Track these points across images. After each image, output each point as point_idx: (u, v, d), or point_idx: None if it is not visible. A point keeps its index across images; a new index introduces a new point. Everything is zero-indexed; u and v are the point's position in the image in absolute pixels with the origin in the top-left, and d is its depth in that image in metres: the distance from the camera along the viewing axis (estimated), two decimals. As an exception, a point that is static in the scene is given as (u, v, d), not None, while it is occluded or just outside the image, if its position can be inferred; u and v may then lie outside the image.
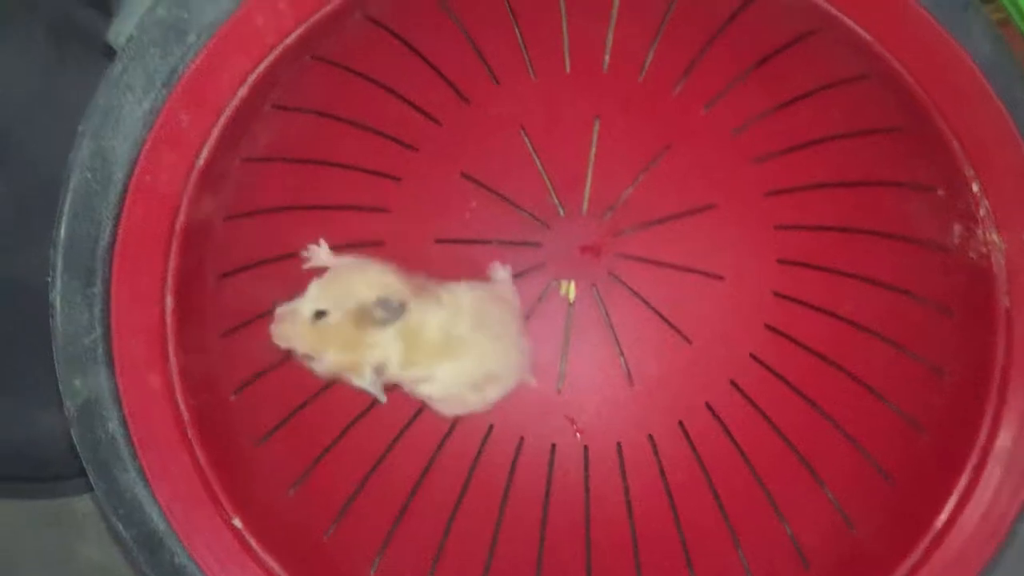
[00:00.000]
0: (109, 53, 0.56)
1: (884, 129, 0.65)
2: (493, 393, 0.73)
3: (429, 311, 0.67)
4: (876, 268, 0.71)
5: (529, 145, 0.77)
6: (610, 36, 0.74)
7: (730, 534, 0.72)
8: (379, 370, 0.66)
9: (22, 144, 0.89)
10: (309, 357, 0.65)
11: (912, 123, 0.61)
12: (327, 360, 0.65)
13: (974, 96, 0.59)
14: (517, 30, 0.73)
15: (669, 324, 0.78)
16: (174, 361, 0.62)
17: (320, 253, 0.71)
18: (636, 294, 0.79)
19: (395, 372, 0.67)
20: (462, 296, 0.70)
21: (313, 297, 0.65)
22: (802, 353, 0.74)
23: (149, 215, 0.58)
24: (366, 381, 0.65)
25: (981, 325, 0.62)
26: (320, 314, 0.64)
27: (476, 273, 0.76)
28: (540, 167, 0.78)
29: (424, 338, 0.67)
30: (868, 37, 0.58)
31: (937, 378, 0.66)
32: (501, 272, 0.77)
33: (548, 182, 0.78)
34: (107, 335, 0.59)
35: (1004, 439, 0.61)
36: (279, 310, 0.65)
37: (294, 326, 0.64)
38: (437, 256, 0.77)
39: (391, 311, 0.64)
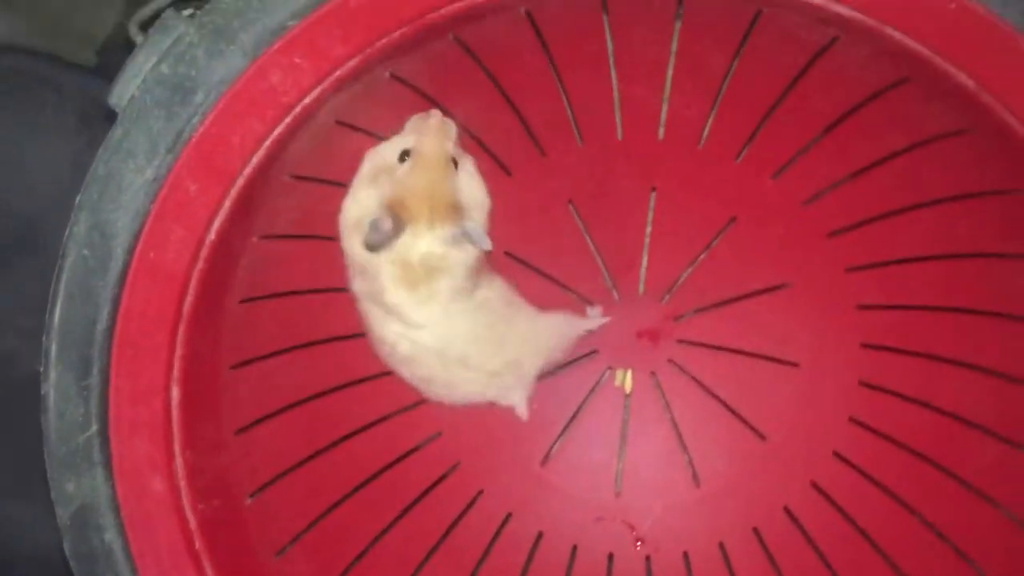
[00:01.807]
0: (112, 118, 0.52)
1: (988, 192, 0.58)
2: (467, 386, 0.67)
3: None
4: (980, 352, 0.64)
5: (579, 220, 0.72)
6: (665, 99, 0.69)
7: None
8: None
9: (56, 232, 0.89)
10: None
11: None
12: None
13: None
14: (563, 94, 0.68)
15: (739, 418, 0.72)
16: (181, 461, 0.57)
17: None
18: (700, 384, 0.72)
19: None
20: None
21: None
22: (895, 450, 0.67)
23: (153, 296, 0.54)
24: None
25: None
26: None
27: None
28: (591, 245, 0.73)
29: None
30: (971, 84, 0.51)
31: (1057, 481, 0.58)
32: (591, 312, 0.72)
33: (600, 261, 0.73)
34: (104, 432, 0.55)
35: None
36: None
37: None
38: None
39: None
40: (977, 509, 0.63)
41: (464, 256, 0.61)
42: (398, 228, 0.58)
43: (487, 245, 0.60)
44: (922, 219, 0.64)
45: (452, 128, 0.61)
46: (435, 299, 0.61)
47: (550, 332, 0.69)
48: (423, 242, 0.59)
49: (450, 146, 0.60)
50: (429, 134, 0.59)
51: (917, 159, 0.62)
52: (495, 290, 0.66)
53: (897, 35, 0.52)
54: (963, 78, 0.52)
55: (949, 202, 0.62)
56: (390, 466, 0.69)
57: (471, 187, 0.63)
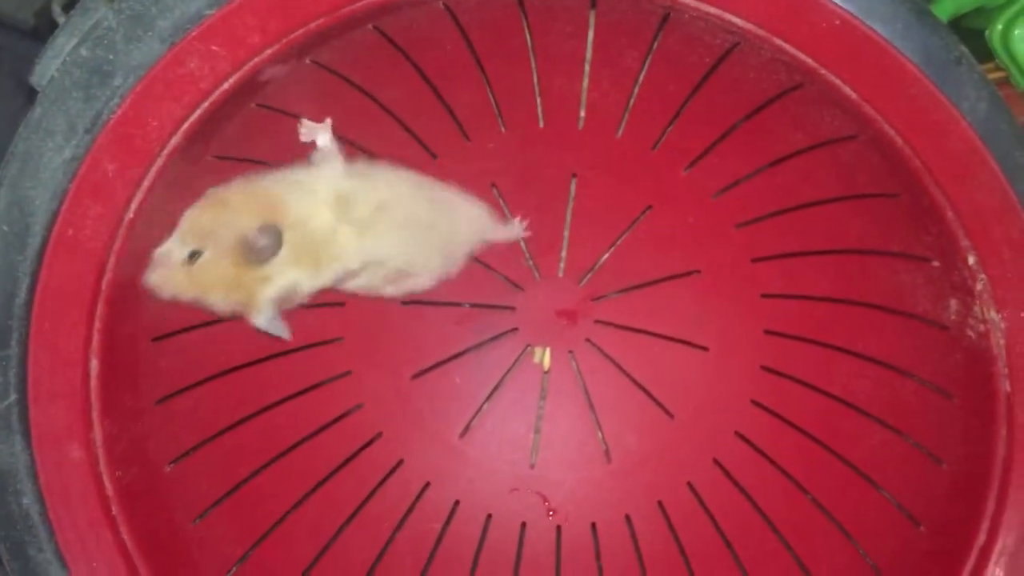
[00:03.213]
0: (32, 96, 0.52)
1: (876, 194, 0.60)
2: (409, 287, 0.67)
3: (310, 202, 0.59)
4: (870, 343, 0.66)
5: (502, 203, 0.73)
6: (584, 89, 0.70)
7: (710, 626, 0.67)
8: (286, 300, 0.58)
9: None
10: (197, 303, 0.57)
11: (905, 189, 0.57)
12: (215, 305, 0.57)
13: (969, 160, 0.54)
14: (486, 81, 0.69)
15: (650, 396, 0.74)
16: (99, 430, 0.57)
17: (316, 131, 0.62)
18: (615, 363, 0.74)
19: (308, 288, 0.59)
20: (398, 186, 0.63)
21: (184, 233, 0.56)
22: (791, 432, 0.70)
23: (71, 271, 0.54)
24: (262, 320, 0.58)
25: (981, 411, 0.58)
26: (194, 255, 0.56)
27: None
28: (520, 229, 0.73)
29: (315, 233, 0.58)
30: (854, 95, 0.53)
31: (936, 467, 0.61)
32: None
33: (522, 243, 0.74)
34: (23, 401, 0.55)
35: (1006, 540, 0.55)
36: (155, 254, 0.56)
37: (168, 272, 0.55)
38: (402, 320, 0.73)
39: (274, 238, 0.56)
40: (863, 492, 0.66)
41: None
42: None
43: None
44: (820, 215, 0.66)
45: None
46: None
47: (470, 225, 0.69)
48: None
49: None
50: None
51: (815, 160, 0.63)
52: (403, 191, 0.64)
53: (787, 47, 0.54)
54: (847, 90, 0.54)
55: (842, 201, 0.64)
56: (312, 436, 0.70)
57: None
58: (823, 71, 0.54)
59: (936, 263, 0.59)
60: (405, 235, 0.64)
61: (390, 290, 0.67)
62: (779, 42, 0.53)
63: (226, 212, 0.56)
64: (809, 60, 0.54)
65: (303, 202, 0.58)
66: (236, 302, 0.57)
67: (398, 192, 0.63)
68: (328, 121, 0.62)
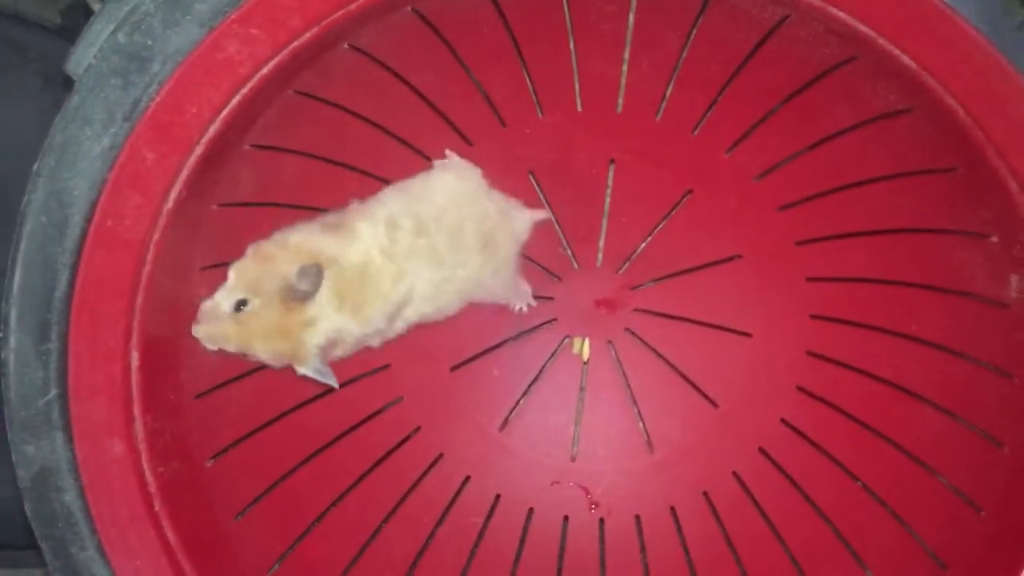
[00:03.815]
0: (70, 85, 0.52)
1: (931, 170, 0.59)
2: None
3: (349, 242, 0.59)
4: (922, 325, 0.65)
5: (539, 191, 0.72)
6: (624, 72, 0.68)
7: (761, 619, 0.66)
8: (331, 346, 0.59)
9: (21, 194, 0.88)
10: (245, 355, 0.58)
11: (963, 162, 0.55)
12: (263, 355, 0.57)
13: (1035, 131, 0.52)
14: (523, 66, 0.68)
15: (692, 385, 0.73)
16: (140, 425, 0.57)
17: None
18: (656, 352, 0.73)
19: (355, 335, 0.60)
20: (436, 193, 0.63)
21: (232, 286, 0.57)
22: (839, 419, 0.69)
23: (111, 263, 0.53)
24: (309, 367, 0.58)
25: (1046, 390, 0.56)
26: (241, 304, 0.56)
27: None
28: (551, 214, 0.73)
29: (355, 270, 0.59)
30: (912, 65, 0.52)
31: (995, 450, 0.59)
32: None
33: (560, 231, 0.73)
34: (64, 396, 0.55)
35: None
36: (202, 307, 0.57)
37: (217, 323, 0.56)
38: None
39: (314, 275, 0.56)
40: (918, 478, 0.65)
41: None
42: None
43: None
44: (867, 195, 0.65)
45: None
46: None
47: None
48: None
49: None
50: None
51: (863, 137, 0.62)
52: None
53: (843, 15, 0.52)
54: (905, 59, 0.53)
55: (892, 179, 0.62)
56: (351, 430, 0.70)
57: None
58: (880, 40, 0.52)
59: (995, 238, 0.57)
60: (435, 248, 0.63)
61: (454, 295, 0.66)
62: (834, 11, 0.52)
63: (269, 262, 0.57)
64: (865, 29, 0.52)
65: (342, 243, 0.59)
66: (283, 351, 0.58)
67: (424, 203, 0.63)
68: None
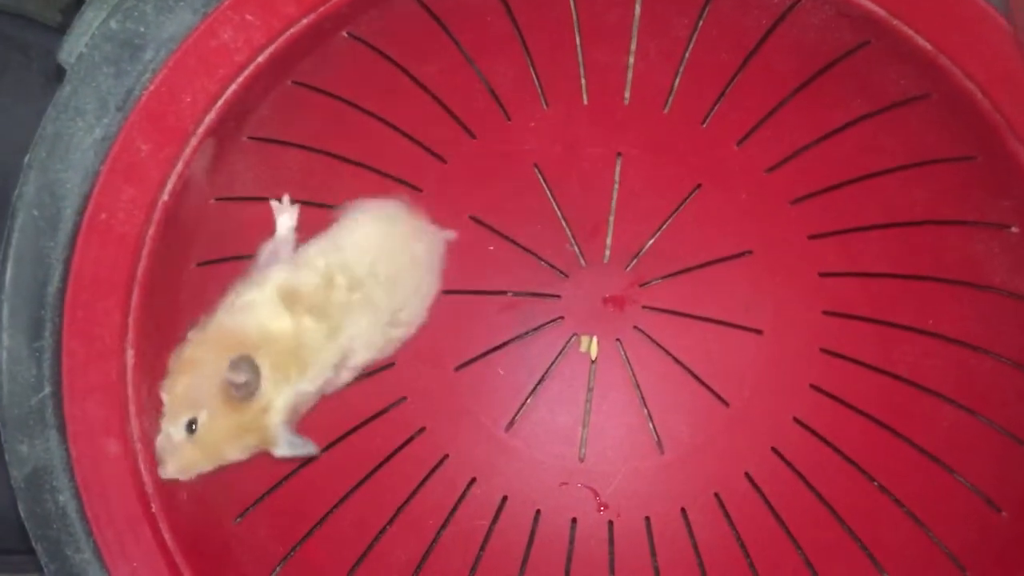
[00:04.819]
0: (62, 76, 0.51)
1: (948, 159, 0.57)
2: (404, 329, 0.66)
3: (265, 316, 0.57)
4: (939, 320, 0.64)
5: (544, 185, 0.71)
6: (631, 63, 0.67)
7: (774, 622, 0.65)
8: (295, 414, 0.58)
9: None
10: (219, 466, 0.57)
11: (982, 149, 0.54)
12: (236, 458, 0.56)
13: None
14: (528, 57, 0.67)
15: (703, 384, 0.72)
16: (136, 424, 0.56)
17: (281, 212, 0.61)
18: (665, 350, 0.72)
19: (312, 392, 0.59)
20: (366, 242, 0.62)
21: (172, 410, 0.55)
22: (854, 417, 0.67)
23: (105, 258, 0.52)
24: (284, 448, 0.57)
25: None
26: (192, 425, 0.55)
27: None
28: (557, 210, 0.72)
29: (284, 342, 0.57)
30: (929, 47, 0.50)
31: (1016, 448, 0.58)
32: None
33: (567, 227, 0.72)
34: (58, 394, 0.54)
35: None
36: (157, 446, 0.55)
37: (180, 454, 0.55)
38: (444, 310, 0.70)
39: (249, 368, 0.54)
40: (935, 477, 0.63)
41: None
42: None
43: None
44: (882, 186, 0.64)
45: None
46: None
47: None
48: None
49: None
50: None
51: (877, 126, 0.61)
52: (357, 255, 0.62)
53: (856, -4, 0.51)
54: (920, 41, 0.51)
55: (908, 169, 0.61)
56: (354, 431, 0.69)
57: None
58: (895, 22, 0.51)
59: (1015, 229, 0.56)
60: (372, 299, 0.62)
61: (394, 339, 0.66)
62: (848, -8, 0.51)
63: (196, 368, 0.56)
64: (879, 10, 0.51)
65: (259, 320, 0.57)
66: (253, 445, 0.57)
67: (355, 257, 0.61)
68: (287, 199, 0.62)
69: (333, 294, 0.59)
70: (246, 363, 0.54)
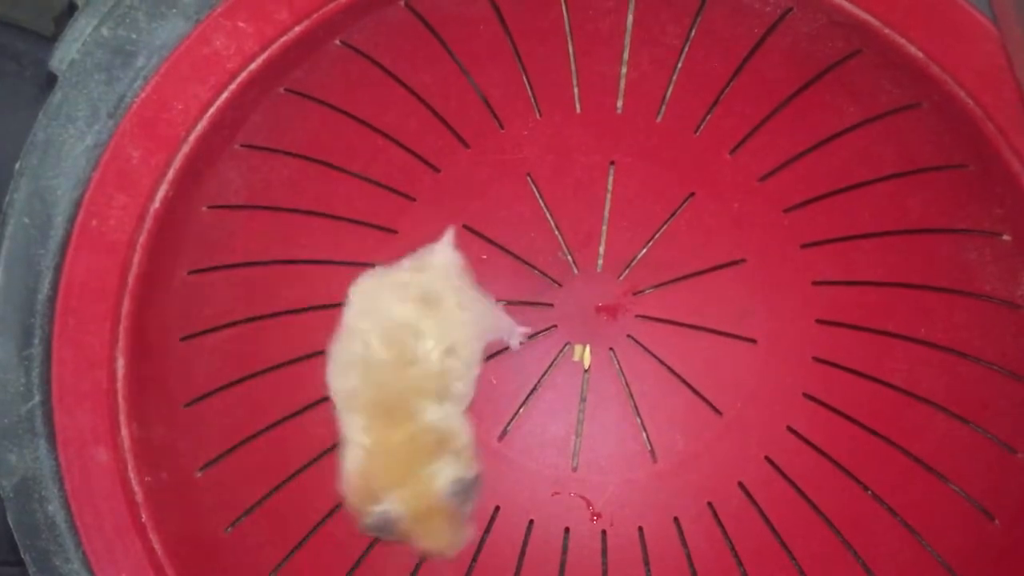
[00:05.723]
0: (53, 82, 0.50)
1: (940, 167, 0.57)
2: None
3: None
4: (932, 328, 0.63)
5: (537, 194, 0.71)
6: (623, 72, 0.67)
7: (768, 633, 0.65)
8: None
9: None
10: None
11: (974, 158, 0.54)
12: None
13: (1051, 126, 0.51)
14: (521, 66, 0.67)
15: (696, 393, 0.71)
16: (126, 433, 0.55)
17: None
18: (658, 359, 0.72)
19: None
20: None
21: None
22: (847, 426, 0.67)
23: (95, 266, 0.52)
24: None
25: (1061, 394, 0.54)
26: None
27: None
28: (550, 218, 0.72)
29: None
30: (920, 55, 0.50)
31: (1009, 457, 0.58)
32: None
33: (559, 235, 0.71)
34: (47, 403, 0.53)
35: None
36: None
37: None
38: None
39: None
40: (928, 485, 0.63)
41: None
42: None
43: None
44: (875, 195, 0.64)
45: None
46: None
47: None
48: None
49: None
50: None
51: (870, 134, 0.61)
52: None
53: (847, 5, 0.51)
54: (912, 49, 0.52)
55: (901, 177, 0.61)
56: (347, 440, 0.69)
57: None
58: (886, 30, 0.51)
59: (1007, 237, 0.56)
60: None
61: None
62: (840, 1, 0.51)
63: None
64: (871, 19, 0.51)
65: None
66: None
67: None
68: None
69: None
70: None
